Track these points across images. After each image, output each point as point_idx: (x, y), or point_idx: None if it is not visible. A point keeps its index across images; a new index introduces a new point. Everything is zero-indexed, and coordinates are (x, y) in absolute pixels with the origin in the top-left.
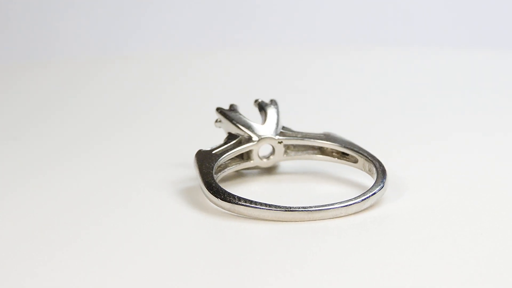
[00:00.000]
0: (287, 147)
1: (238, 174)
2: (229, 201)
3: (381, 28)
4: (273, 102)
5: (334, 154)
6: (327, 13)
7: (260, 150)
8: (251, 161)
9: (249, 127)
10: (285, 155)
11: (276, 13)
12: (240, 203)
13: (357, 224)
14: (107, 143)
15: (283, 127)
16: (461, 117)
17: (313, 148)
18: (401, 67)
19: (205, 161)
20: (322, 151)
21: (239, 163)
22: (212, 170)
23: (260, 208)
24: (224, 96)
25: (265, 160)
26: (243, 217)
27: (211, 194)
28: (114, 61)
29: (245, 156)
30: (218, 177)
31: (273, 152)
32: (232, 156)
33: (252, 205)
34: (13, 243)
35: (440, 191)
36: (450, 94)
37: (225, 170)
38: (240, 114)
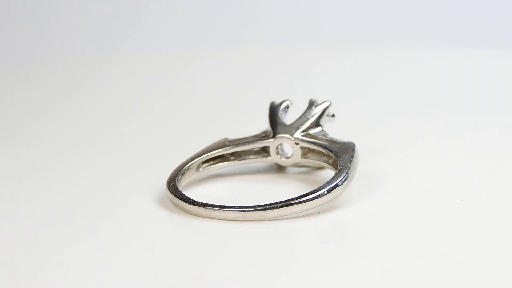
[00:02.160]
0: (309, 150)
1: (277, 168)
2: (169, 190)
3: (381, 28)
4: (323, 103)
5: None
6: (329, 13)
7: (283, 148)
8: (269, 157)
9: (274, 124)
10: (303, 158)
11: (277, 13)
12: (169, 188)
13: (325, 226)
14: (106, 143)
15: (322, 131)
16: (459, 118)
17: (326, 155)
18: (400, 67)
19: (209, 147)
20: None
21: (259, 157)
22: (197, 158)
23: (193, 205)
24: (224, 96)
25: (282, 158)
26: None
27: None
28: (114, 61)
29: (268, 151)
30: (212, 166)
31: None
32: (246, 148)
33: (179, 197)
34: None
35: (423, 193)
36: (448, 94)
37: (238, 160)
38: (280, 110)
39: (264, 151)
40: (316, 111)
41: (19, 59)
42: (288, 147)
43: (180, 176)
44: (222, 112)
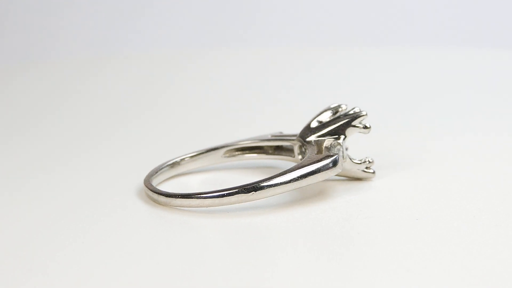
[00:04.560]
0: None
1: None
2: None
3: (383, 28)
4: (355, 114)
5: None
6: (329, 13)
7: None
8: (293, 157)
9: (306, 126)
10: None
11: (276, 13)
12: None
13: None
14: (106, 143)
15: (338, 140)
16: (464, 117)
17: None
18: (402, 66)
19: (251, 137)
20: None
21: (287, 156)
22: (228, 146)
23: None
24: (223, 96)
25: (300, 158)
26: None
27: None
28: (113, 61)
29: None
30: (244, 155)
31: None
32: (277, 144)
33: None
34: None
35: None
36: (453, 93)
37: (269, 154)
38: (327, 114)
39: (292, 150)
40: (342, 120)
41: (19, 59)
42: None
43: (168, 167)
44: (221, 112)
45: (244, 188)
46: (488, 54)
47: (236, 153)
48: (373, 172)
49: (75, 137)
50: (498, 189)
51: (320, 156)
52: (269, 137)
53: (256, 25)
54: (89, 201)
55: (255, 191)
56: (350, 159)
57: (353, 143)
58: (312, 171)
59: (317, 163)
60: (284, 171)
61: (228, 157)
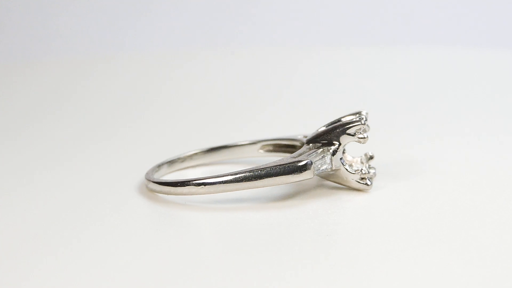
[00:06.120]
0: None
1: None
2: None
3: (383, 28)
4: (350, 122)
5: None
6: (328, 13)
7: None
8: None
9: (316, 130)
10: None
11: (276, 13)
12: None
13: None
14: (105, 143)
15: (329, 147)
16: (461, 117)
17: None
18: (403, 66)
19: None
20: None
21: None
22: (259, 142)
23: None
24: (222, 96)
25: None
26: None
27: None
28: (114, 60)
29: None
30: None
31: None
32: (288, 143)
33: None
34: None
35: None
36: (453, 93)
37: (272, 153)
38: (339, 119)
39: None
40: (339, 127)
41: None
42: None
43: (205, 153)
44: (220, 112)
45: (195, 181)
46: (488, 54)
47: (272, 148)
48: (369, 184)
49: (75, 137)
50: (501, 194)
51: (290, 160)
52: (300, 137)
53: (258, 24)
54: (90, 199)
55: (205, 186)
56: (345, 167)
57: (351, 150)
58: (269, 173)
59: (278, 166)
60: (244, 169)
61: (264, 151)
